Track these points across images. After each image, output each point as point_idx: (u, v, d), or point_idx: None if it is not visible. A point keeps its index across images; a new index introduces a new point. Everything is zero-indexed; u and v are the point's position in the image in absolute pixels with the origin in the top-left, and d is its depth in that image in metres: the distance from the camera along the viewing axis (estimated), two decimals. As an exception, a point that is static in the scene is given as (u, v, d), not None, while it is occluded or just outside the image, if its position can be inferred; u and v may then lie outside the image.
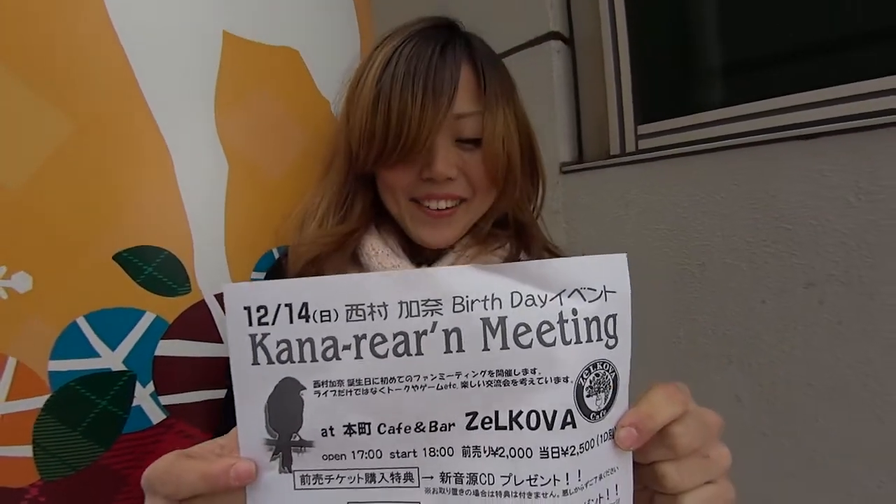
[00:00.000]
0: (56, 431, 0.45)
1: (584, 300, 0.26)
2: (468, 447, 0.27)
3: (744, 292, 0.77)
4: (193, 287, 0.48)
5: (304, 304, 0.27)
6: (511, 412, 0.26)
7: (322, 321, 0.27)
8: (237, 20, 0.51)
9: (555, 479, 0.26)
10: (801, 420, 0.73)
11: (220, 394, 0.50)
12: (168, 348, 0.47)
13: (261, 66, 0.53)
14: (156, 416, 0.47)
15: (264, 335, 0.27)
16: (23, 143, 0.45)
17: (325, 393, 0.27)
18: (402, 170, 0.42)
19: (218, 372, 0.49)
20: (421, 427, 0.27)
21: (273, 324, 0.27)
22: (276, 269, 0.51)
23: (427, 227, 0.43)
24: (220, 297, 0.49)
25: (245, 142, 0.51)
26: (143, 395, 0.46)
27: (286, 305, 0.27)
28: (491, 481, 0.26)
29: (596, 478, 0.26)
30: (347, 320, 0.27)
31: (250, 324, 0.27)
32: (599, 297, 0.26)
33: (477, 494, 0.27)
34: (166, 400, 0.47)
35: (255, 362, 0.27)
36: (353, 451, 0.27)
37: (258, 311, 0.27)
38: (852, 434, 0.69)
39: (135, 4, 0.47)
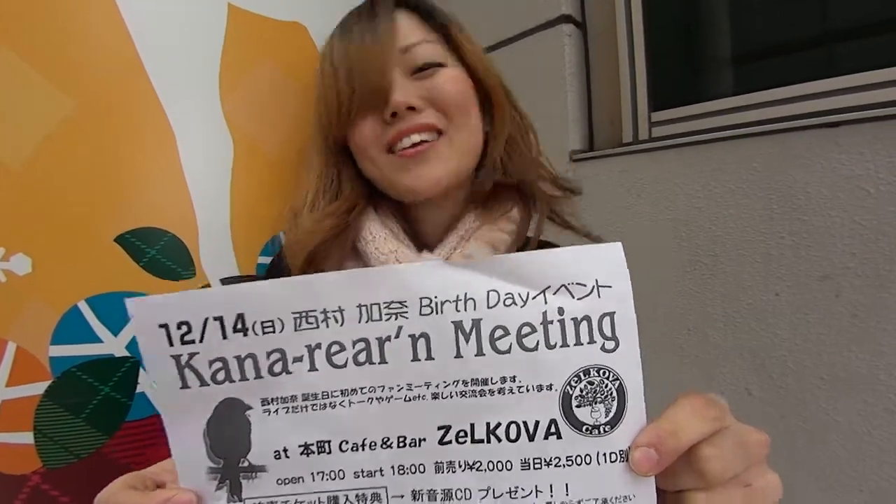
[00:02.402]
0: (58, 418, 0.44)
1: (573, 297, 0.23)
2: (441, 462, 0.24)
3: (757, 284, 0.75)
4: (198, 271, 0.47)
5: (240, 316, 0.24)
6: (489, 424, 0.24)
7: (265, 333, 0.24)
8: (243, -8, 0.49)
9: (537, 491, 0.23)
10: (812, 413, 0.72)
11: (226, 381, 0.48)
12: (173, 334, 0.45)
13: (267, 40, 0.51)
14: (160, 403, 0.46)
15: (192, 355, 0.24)
16: (22, 122, 0.43)
17: (276, 411, 0.24)
18: (368, 122, 0.40)
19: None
20: (388, 443, 0.24)
21: (201, 341, 0.24)
22: (274, 268, 0.48)
23: (407, 171, 0.40)
24: (226, 282, 0.47)
25: (250, 119, 0.49)
26: (147, 382, 0.45)
27: (216, 319, 0.23)
28: (468, 496, 0.24)
29: (597, 500, 0.23)
30: (296, 329, 0.24)
31: (171, 343, 0.24)
32: (591, 293, 0.23)
33: None
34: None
35: (185, 386, 0.24)
36: (312, 473, 0.24)
37: (179, 328, 0.23)
38: (863, 427, 0.68)
39: (136, -25, 0.45)
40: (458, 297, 0.24)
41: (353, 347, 0.24)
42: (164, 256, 0.45)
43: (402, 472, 0.24)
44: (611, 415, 0.23)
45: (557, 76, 0.94)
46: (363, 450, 0.24)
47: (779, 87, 0.77)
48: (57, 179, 0.44)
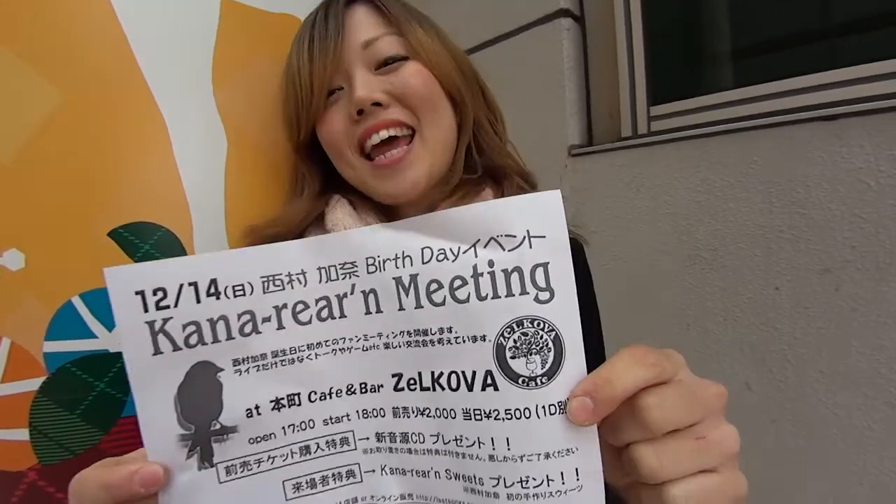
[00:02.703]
0: (53, 414, 0.44)
1: (503, 249, 0.23)
2: (398, 408, 0.26)
3: (757, 278, 0.75)
4: (193, 266, 0.46)
5: (213, 281, 0.25)
6: (433, 373, 0.25)
7: (236, 296, 0.25)
8: (236, -16, 0.48)
9: (479, 442, 0.24)
10: (812, 407, 0.72)
11: (222, 377, 0.48)
12: (168, 329, 0.45)
13: (260, 33, 0.50)
14: (156, 399, 0.46)
15: (165, 320, 0.24)
16: (12, 116, 0.43)
17: (248, 370, 0.25)
18: (332, 118, 0.41)
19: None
20: (352, 389, 0.26)
21: (176, 306, 0.24)
22: None
23: (386, 179, 0.40)
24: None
25: (244, 113, 0.49)
26: (142, 378, 0.45)
27: (190, 284, 0.24)
28: (421, 440, 0.26)
29: (539, 455, 0.23)
30: (265, 292, 0.25)
31: (146, 310, 0.24)
32: (521, 244, 0.23)
33: (410, 452, 0.26)
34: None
35: (158, 352, 0.24)
36: (283, 427, 0.26)
37: (154, 294, 0.24)
38: (863, 422, 0.68)
39: (128, -33, 0.44)
40: (396, 255, 0.26)
41: (316, 305, 0.26)
42: (158, 251, 0.45)
43: (365, 416, 0.26)
44: (547, 366, 0.23)
45: (556, 71, 0.94)
46: (330, 398, 0.26)
47: (778, 80, 0.77)
48: (49, 174, 0.43)
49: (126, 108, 0.44)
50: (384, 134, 0.39)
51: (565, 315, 0.23)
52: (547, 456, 0.23)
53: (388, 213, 0.44)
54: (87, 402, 0.44)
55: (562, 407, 0.23)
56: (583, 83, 0.96)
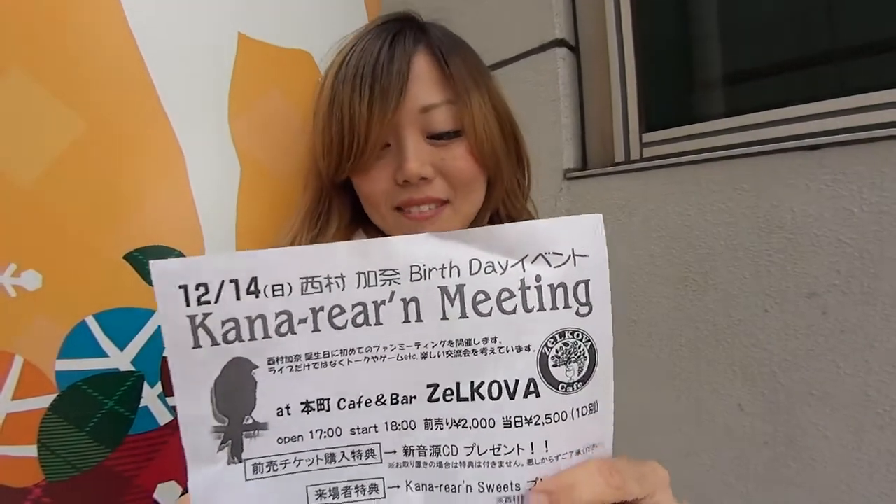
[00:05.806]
0: (62, 431, 0.44)
1: (550, 266, 0.25)
2: (430, 420, 0.26)
3: (747, 301, 0.77)
4: (203, 288, 0.48)
5: (254, 279, 0.25)
6: (473, 383, 0.25)
7: (275, 295, 0.25)
8: (252, 22, 0.51)
9: (518, 449, 0.25)
10: (803, 428, 0.73)
11: (227, 395, 0.49)
12: (177, 349, 0.47)
13: (274, 67, 0.53)
14: (163, 417, 0.47)
15: (206, 315, 0.24)
16: (34, 141, 0.45)
17: (281, 370, 0.25)
18: (376, 175, 0.40)
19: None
20: (382, 400, 0.26)
21: (216, 302, 0.24)
22: None
23: (414, 232, 0.41)
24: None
25: (257, 143, 0.51)
26: (150, 396, 0.46)
27: (231, 281, 0.25)
28: (454, 453, 0.26)
29: (572, 452, 0.25)
30: (303, 293, 0.25)
31: (188, 304, 0.24)
32: (567, 261, 0.25)
33: (441, 466, 0.26)
34: (174, 401, 0.47)
35: (197, 345, 0.24)
36: (310, 431, 0.26)
37: (197, 289, 0.24)
38: (853, 443, 0.69)
39: (151, 6, 0.47)
40: (443, 264, 0.25)
41: (352, 310, 0.25)
42: (170, 273, 0.46)
43: (394, 428, 0.26)
44: (583, 372, 0.25)
45: (552, 98, 0.97)
46: (359, 407, 0.26)
47: (767, 109, 0.80)
48: (68, 198, 0.45)
49: (144, 137, 0.47)
50: (424, 208, 0.40)
51: (601, 327, 0.25)
52: (578, 452, 0.25)
53: None
54: (96, 419, 0.45)
55: (594, 408, 0.25)
56: (578, 110, 1.00)
